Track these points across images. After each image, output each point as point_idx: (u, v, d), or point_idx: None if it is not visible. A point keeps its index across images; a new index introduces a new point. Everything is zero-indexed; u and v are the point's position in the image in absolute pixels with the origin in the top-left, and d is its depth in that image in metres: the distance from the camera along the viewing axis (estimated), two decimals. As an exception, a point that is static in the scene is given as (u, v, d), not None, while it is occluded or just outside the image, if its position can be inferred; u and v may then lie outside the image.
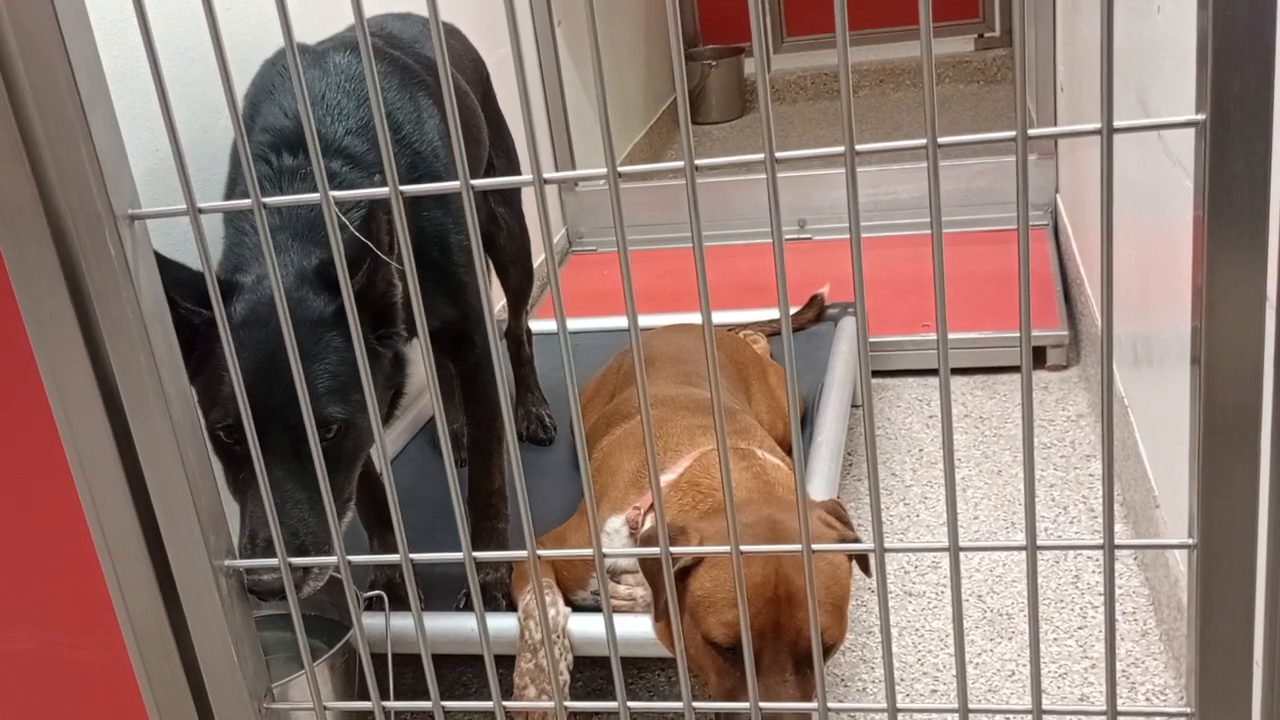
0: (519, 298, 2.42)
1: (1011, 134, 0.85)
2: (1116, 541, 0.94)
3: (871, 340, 2.77)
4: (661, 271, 3.31)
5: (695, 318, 2.47)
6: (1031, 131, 0.84)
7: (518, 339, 2.46)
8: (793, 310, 2.72)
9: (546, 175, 0.91)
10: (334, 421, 1.41)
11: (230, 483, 1.42)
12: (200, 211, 0.96)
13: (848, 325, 2.68)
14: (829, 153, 0.87)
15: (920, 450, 2.53)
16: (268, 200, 0.95)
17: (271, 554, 1.33)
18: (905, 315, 2.89)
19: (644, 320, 2.51)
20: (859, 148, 0.85)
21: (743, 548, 0.99)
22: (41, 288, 0.99)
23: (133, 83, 1.69)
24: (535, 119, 3.57)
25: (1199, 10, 0.79)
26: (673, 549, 1.03)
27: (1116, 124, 0.82)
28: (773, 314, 2.73)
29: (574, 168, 3.74)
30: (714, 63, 5.25)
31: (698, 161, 0.88)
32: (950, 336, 3.09)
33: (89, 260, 0.97)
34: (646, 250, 3.45)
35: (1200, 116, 0.80)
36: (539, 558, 1.02)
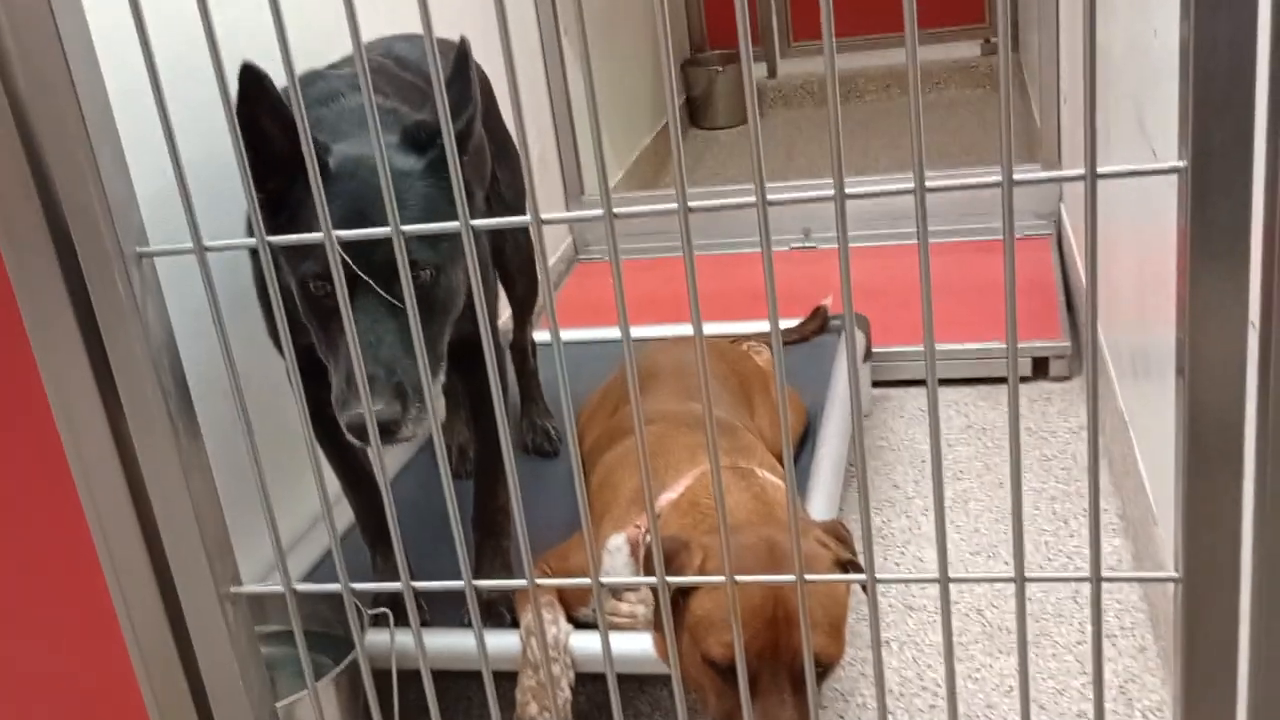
0: (524, 309, 2.42)
1: (998, 178, 0.87)
2: (1106, 572, 0.96)
3: (876, 350, 2.78)
4: (667, 277, 3.31)
5: (699, 330, 2.47)
6: (1016, 176, 0.87)
7: (522, 350, 2.46)
8: (796, 321, 2.72)
9: (544, 215, 0.94)
10: (425, 265, 1.41)
11: (322, 342, 1.42)
12: (206, 250, 0.98)
13: (851, 336, 2.69)
14: (819, 196, 0.89)
15: (923, 462, 2.55)
16: (272, 239, 0.97)
17: (373, 394, 1.34)
18: (909, 325, 2.89)
19: (648, 330, 2.52)
20: (848, 191, 0.87)
21: (737, 577, 1.01)
22: (52, 322, 1.01)
23: (141, 106, 1.70)
24: (540, 126, 3.61)
25: (1180, 59, 0.81)
26: (670, 576, 1.05)
27: (1101, 170, 0.84)
28: (776, 325, 2.73)
29: (580, 176, 3.76)
30: (721, 68, 5.26)
31: (691, 204, 0.91)
32: (953, 347, 3.08)
33: (98, 297, 0.99)
34: (651, 259, 3.46)
35: (1182, 163, 0.82)
36: (538, 586, 1.05)
